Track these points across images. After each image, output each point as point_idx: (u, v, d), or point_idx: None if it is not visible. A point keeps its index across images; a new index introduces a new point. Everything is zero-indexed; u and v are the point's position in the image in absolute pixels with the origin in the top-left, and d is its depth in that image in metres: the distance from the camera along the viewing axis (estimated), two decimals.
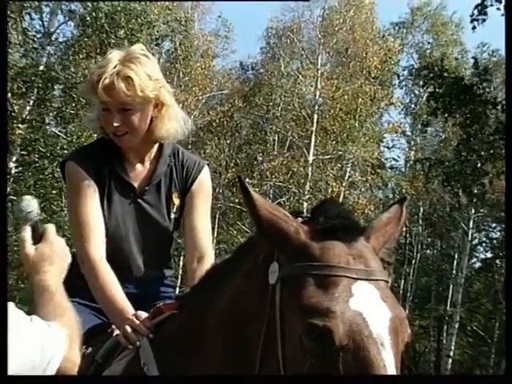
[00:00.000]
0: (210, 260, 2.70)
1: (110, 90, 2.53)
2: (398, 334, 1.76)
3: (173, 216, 2.77)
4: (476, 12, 14.43)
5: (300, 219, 1.94)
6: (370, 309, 1.73)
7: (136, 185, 2.72)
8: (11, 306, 1.70)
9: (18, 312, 1.71)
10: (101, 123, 2.67)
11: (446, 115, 15.65)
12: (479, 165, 15.01)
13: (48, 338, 1.73)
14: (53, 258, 2.07)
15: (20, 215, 2.20)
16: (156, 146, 2.76)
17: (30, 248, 2.09)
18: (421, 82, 17.20)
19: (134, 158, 2.74)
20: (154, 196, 2.74)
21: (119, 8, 15.76)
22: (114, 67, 2.55)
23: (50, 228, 2.13)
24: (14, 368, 1.62)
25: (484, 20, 14.34)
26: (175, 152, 2.79)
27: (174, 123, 2.70)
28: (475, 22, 14.54)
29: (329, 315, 1.68)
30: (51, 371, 1.71)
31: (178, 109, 2.77)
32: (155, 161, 2.76)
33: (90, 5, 15.90)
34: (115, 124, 2.59)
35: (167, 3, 17.99)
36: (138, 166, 2.74)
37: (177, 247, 15.74)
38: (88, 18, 15.87)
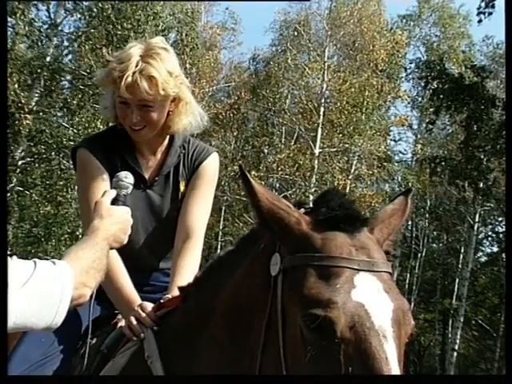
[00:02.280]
0: (196, 241, 2.68)
1: (133, 88, 2.52)
2: (400, 325, 1.74)
3: (180, 205, 2.77)
4: (483, 5, 14.34)
5: (302, 210, 1.93)
6: (372, 300, 1.71)
7: (147, 176, 2.73)
8: (13, 259, 1.70)
9: (19, 267, 1.70)
10: (118, 115, 2.66)
11: (449, 114, 15.64)
12: (485, 161, 14.97)
13: (53, 278, 1.74)
14: (118, 220, 2.09)
15: (114, 179, 2.30)
16: (168, 138, 2.77)
17: (107, 200, 2.14)
18: (422, 83, 17.13)
19: (146, 149, 2.74)
20: (162, 186, 2.75)
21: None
22: (137, 64, 2.53)
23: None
24: (31, 322, 1.67)
25: (490, 13, 14.25)
26: (185, 142, 2.80)
27: (191, 118, 2.71)
28: (482, 15, 14.46)
29: (330, 306, 1.66)
30: (64, 308, 1.74)
31: (195, 104, 2.76)
32: (166, 152, 2.77)
33: None
34: (134, 120, 2.59)
35: None
36: (150, 157, 2.75)
37: None
38: (94, 9, 15.85)
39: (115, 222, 2.08)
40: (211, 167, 2.81)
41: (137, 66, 2.53)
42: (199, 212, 2.73)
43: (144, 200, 2.73)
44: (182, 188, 2.76)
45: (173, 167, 2.76)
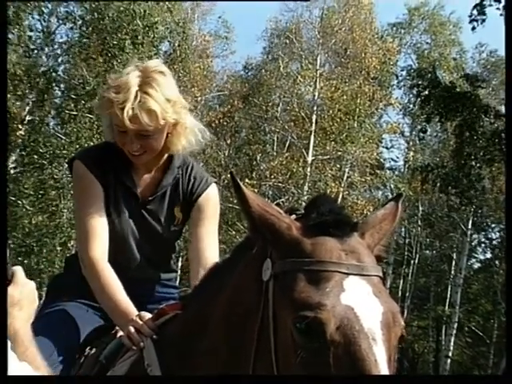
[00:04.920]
0: None
1: (134, 121, 2.52)
2: (390, 328, 1.75)
3: (173, 228, 2.78)
4: (475, 12, 14.42)
5: (294, 216, 1.95)
6: (361, 303, 1.73)
7: (140, 194, 2.72)
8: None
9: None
10: (116, 141, 2.66)
11: (441, 122, 15.70)
12: (476, 169, 14.99)
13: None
14: (22, 303, 1.99)
15: None
16: (165, 156, 2.75)
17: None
18: (414, 90, 17.19)
19: (142, 167, 2.73)
20: (157, 206, 2.74)
21: (121, 9, 15.74)
22: (135, 96, 2.52)
23: (19, 271, 2.02)
24: None
25: (483, 20, 14.34)
26: (185, 165, 2.78)
27: (190, 137, 2.70)
28: (474, 23, 14.55)
29: (320, 309, 1.68)
30: None
31: (194, 121, 2.75)
32: (163, 171, 2.75)
33: (93, 5, 15.88)
34: (134, 148, 2.59)
35: (169, 5, 17.93)
36: (145, 175, 2.74)
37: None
38: (88, 19, 15.86)
39: (28, 309, 2.00)
40: (213, 197, 2.81)
41: (136, 98, 2.52)
42: (212, 245, 2.77)
43: (137, 218, 2.73)
44: (176, 213, 2.76)
45: (169, 188, 2.75)
